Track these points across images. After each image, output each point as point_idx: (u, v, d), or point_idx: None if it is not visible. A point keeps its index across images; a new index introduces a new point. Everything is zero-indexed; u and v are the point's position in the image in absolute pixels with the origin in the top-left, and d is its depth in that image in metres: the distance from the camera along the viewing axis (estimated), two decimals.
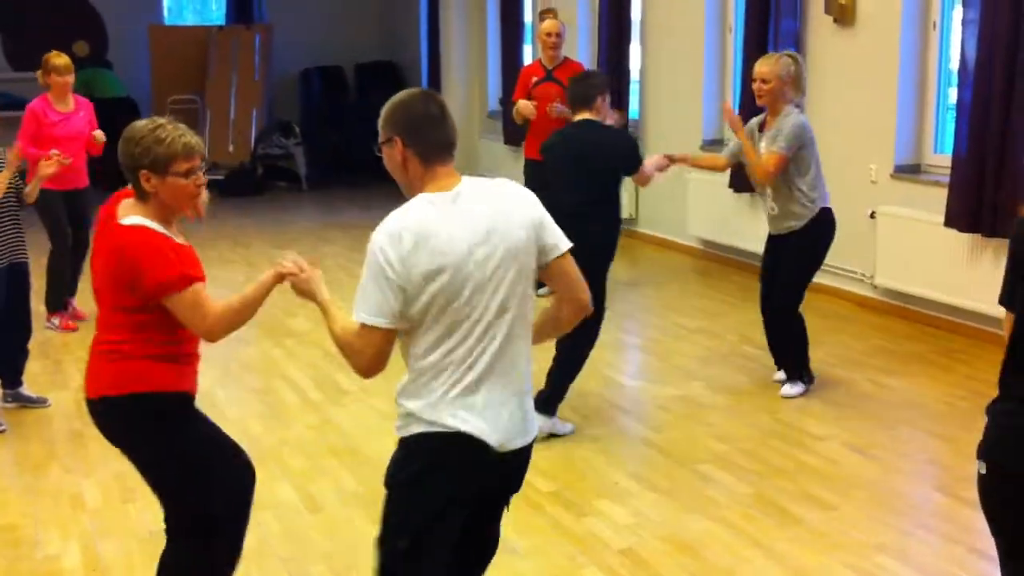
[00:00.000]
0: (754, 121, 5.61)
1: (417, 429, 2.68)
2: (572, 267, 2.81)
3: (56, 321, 7.09)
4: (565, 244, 2.78)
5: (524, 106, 7.26)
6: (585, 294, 2.85)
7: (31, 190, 5.64)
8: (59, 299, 7.16)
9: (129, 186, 3.07)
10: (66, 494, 4.62)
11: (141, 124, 3.06)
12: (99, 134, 6.94)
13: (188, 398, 3.19)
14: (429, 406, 2.65)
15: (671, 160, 5.66)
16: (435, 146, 2.70)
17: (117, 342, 3.09)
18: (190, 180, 3.03)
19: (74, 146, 6.78)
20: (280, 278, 3.03)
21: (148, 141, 2.98)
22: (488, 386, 2.66)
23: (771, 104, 5.38)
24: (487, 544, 2.95)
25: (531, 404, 2.81)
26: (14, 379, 5.62)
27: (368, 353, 2.64)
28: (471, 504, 2.74)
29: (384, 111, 2.77)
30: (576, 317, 2.90)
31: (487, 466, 2.70)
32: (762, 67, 5.37)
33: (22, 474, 4.88)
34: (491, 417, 2.66)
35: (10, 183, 5.29)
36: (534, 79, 7.40)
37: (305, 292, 2.98)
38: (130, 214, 3.02)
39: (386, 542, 2.73)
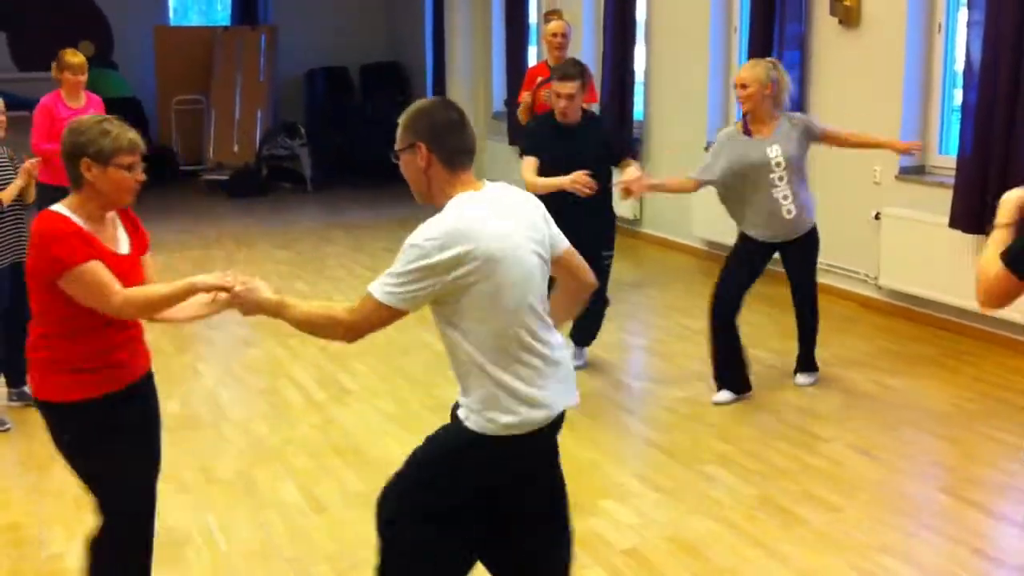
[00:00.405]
0: (726, 132, 5.59)
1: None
2: (576, 253, 3.05)
3: None
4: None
5: (526, 99, 7.33)
6: (591, 274, 3.11)
7: (27, 192, 5.63)
8: None
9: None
10: (70, 494, 4.61)
11: (87, 117, 3.17)
12: None
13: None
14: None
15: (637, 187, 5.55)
16: (459, 151, 2.82)
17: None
18: (132, 174, 3.14)
19: None
20: (194, 291, 3.11)
21: (94, 132, 3.08)
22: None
23: (753, 110, 5.37)
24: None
25: None
26: (18, 378, 5.62)
27: (372, 322, 2.76)
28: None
29: (405, 118, 2.84)
30: (587, 295, 3.17)
31: None
32: (743, 72, 5.40)
33: (26, 473, 4.89)
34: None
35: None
36: (539, 79, 7.41)
37: (252, 307, 3.01)
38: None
39: None
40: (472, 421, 2.79)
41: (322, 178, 13.27)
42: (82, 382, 3.13)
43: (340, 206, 12.13)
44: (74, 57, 7.01)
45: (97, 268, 3.03)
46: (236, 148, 13.38)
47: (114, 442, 3.18)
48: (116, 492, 3.23)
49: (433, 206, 2.82)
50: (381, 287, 2.74)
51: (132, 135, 3.15)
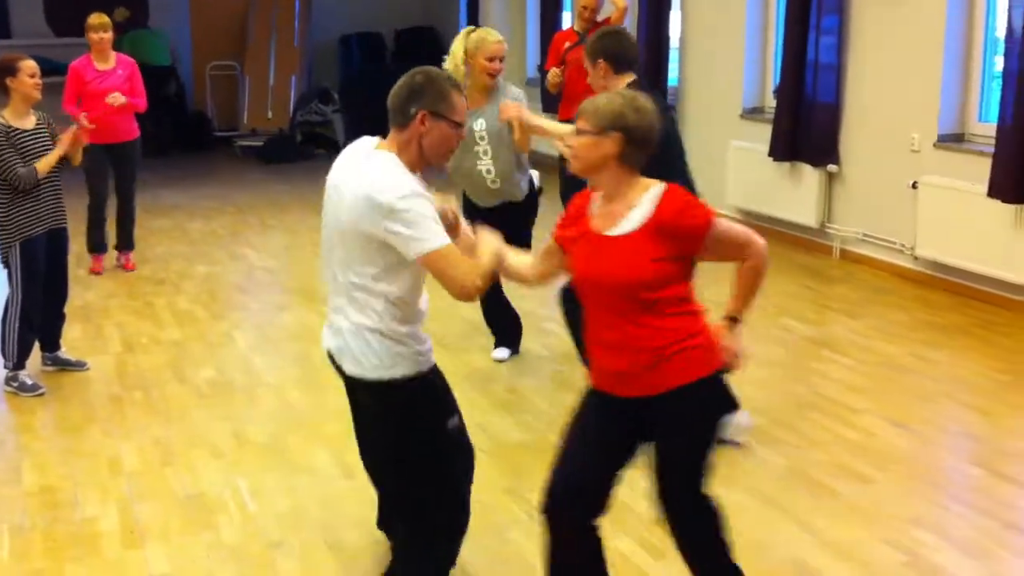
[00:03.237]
0: None
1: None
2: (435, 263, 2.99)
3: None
4: None
5: (553, 74, 7.21)
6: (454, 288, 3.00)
7: (75, 155, 5.67)
8: (96, 242, 7.62)
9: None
10: (104, 457, 4.68)
11: None
12: (116, 97, 7.17)
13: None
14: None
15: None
16: None
17: None
18: None
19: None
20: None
21: None
22: None
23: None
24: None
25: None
26: (53, 343, 5.68)
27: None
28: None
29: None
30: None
31: None
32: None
33: (61, 436, 4.95)
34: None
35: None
36: (567, 44, 7.33)
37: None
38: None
39: None
40: None
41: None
42: None
43: None
44: (97, 18, 7.24)
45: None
46: (270, 114, 13.40)
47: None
48: None
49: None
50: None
51: None
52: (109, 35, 7.28)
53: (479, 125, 5.23)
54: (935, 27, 6.81)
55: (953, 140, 6.86)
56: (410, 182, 2.93)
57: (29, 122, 5.29)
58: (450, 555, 3.31)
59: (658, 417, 2.96)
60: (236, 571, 3.73)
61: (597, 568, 3.15)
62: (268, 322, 6.53)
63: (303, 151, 13.07)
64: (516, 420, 5.00)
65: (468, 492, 3.31)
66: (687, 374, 2.91)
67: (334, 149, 13.22)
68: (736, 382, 5.35)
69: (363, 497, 4.25)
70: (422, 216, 2.87)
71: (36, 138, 5.28)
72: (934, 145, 6.88)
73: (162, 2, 14.05)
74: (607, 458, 3.03)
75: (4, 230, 5.21)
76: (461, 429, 3.27)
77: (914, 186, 6.95)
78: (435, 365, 3.18)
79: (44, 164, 5.22)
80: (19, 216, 5.19)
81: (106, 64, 7.29)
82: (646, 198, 2.91)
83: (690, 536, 3.12)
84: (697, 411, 2.97)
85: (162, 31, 13.62)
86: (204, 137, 13.41)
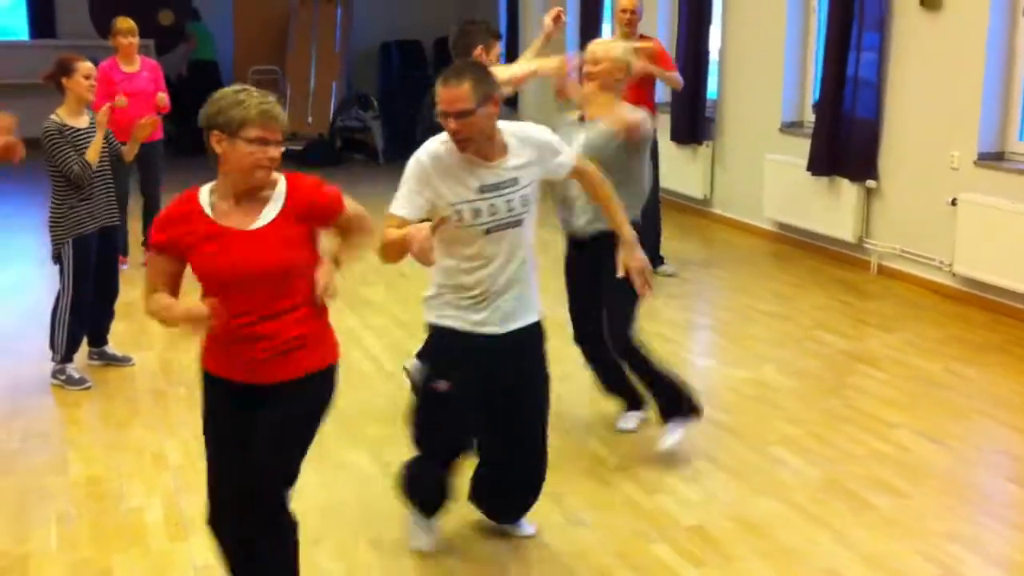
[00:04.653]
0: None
1: None
2: None
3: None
4: None
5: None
6: None
7: (129, 150, 5.77)
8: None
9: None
10: (149, 451, 4.77)
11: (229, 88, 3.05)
12: (162, 96, 7.45)
13: None
14: None
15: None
16: None
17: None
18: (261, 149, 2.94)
19: (137, 103, 7.21)
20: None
21: (228, 101, 2.94)
22: None
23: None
24: None
25: None
26: (100, 338, 5.79)
27: None
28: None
29: (475, 77, 3.25)
30: None
31: None
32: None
33: (106, 429, 5.05)
34: None
35: (104, 149, 5.43)
36: None
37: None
38: None
39: None
40: None
41: (393, 151, 13.33)
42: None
43: None
44: (122, 23, 7.46)
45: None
46: (310, 119, 13.53)
47: None
48: None
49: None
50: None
51: (267, 106, 2.92)
52: (136, 40, 7.51)
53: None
54: (976, 45, 6.82)
55: (993, 158, 6.86)
56: None
57: (83, 121, 5.41)
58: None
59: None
60: None
61: None
62: None
63: (342, 156, 13.20)
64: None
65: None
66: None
67: (373, 155, 13.35)
68: (773, 394, 5.40)
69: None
70: None
71: (89, 137, 5.38)
72: (974, 163, 6.88)
73: (206, 7, 14.24)
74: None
75: (59, 226, 5.33)
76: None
77: (953, 203, 6.95)
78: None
79: (92, 152, 5.32)
80: (73, 213, 5.30)
81: (131, 67, 7.50)
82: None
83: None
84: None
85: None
86: None
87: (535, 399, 3.74)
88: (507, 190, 3.41)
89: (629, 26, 7.33)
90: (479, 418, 3.69)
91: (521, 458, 3.79)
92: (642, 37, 7.50)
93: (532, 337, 3.66)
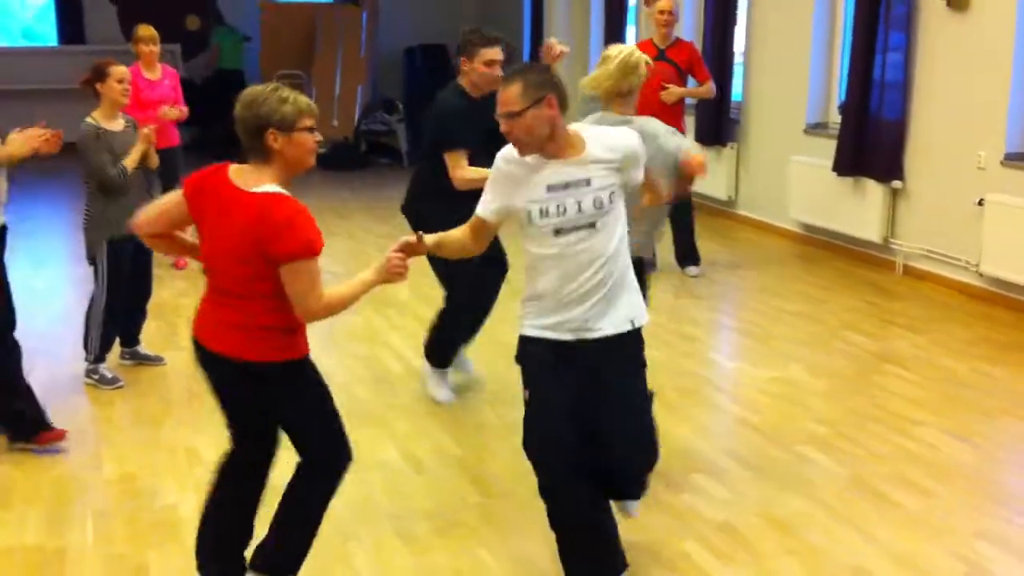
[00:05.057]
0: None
1: None
2: None
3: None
4: None
5: None
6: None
7: (151, 157, 5.85)
8: None
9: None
10: (181, 448, 4.83)
11: (260, 88, 3.20)
12: (169, 111, 7.51)
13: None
14: None
15: None
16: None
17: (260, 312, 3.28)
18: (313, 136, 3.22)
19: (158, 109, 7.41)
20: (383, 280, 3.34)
21: (273, 101, 3.13)
22: None
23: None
24: None
25: None
26: (132, 338, 5.87)
27: None
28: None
29: (528, 78, 3.23)
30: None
31: None
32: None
33: (139, 427, 5.11)
34: None
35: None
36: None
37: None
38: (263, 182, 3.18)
39: None
40: None
41: (418, 155, 13.40)
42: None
43: None
44: (144, 31, 7.58)
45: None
46: (335, 122, 13.61)
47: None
48: None
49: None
50: None
51: (305, 97, 3.22)
52: (158, 48, 7.62)
53: None
54: (1003, 45, 6.81)
55: (1020, 159, 6.84)
56: None
57: (117, 124, 5.49)
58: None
59: None
60: (311, 561, 3.83)
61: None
62: (334, 323, 6.65)
63: (367, 160, 13.28)
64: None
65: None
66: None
67: (397, 158, 13.43)
68: (800, 393, 5.42)
69: (431, 491, 4.38)
70: None
71: (124, 140, 5.46)
72: (1000, 163, 6.88)
73: (233, 11, 14.37)
74: None
75: (94, 229, 5.41)
76: None
77: (980, 203, 6.95)
78: None
79: (131, 160, 5.41)
80: (108, 216, 5.38)
81: (153, 74, 7.61)
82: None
83: None
84: None
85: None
86: None
87: (619, 409, 3.52)
88: (578, 190, 3.33)
89: (667, 27, 7.35)
90: (573, 427, 3.45)
91: (623, 456, 3.59)
92: (678, 41, 7.53)
93: (608, 350, 3.43)
